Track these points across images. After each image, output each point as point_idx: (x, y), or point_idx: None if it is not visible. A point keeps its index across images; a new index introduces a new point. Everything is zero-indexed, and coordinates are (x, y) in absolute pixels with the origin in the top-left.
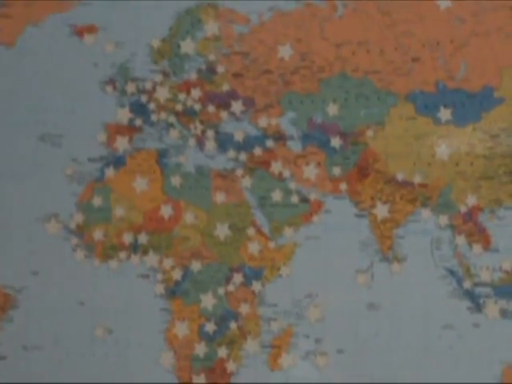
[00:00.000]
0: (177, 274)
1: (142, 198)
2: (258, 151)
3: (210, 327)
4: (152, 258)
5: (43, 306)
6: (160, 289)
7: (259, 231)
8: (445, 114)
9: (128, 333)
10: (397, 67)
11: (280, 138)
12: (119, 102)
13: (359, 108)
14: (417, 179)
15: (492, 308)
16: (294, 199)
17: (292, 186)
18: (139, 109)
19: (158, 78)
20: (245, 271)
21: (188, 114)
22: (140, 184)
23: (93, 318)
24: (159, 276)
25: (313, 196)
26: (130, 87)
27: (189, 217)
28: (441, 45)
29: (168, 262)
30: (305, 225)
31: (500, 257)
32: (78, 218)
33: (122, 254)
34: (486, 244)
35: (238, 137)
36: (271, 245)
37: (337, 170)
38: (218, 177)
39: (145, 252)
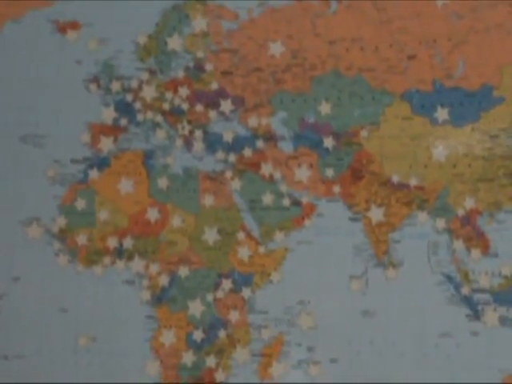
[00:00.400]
0: (163, 280)
1: (128, 200)
2: (247, 152)
3: (198, 335)
4: (138, 264)
5: (25, 314)
6: (146, 295)
7: (249, 236)
8: (442, 113)
9: (112, 341)
10: (392, 65)
11: (271, 138)
12: (104, 101)
13: (353, 107)
14: (413, 181)
15: (491, 315)
16: (286, 202)
17: (283, 188)
18: (124, 108)
19: (144, 75)
20: (234, 277)
21: (175, 114)
22: (125, 186)
23: (76, 325)
24: (145, 282)
25: (305, 199)
26: (115, 85)
27: (176, 220)
28: (438, 42)
29: (154, 268)
30: (296, 229)
31: (499, 262)
32: (61, 221)
33: (107, 259)
34: (485, 249)
35: (227, 137)
36: (261, 250)
37: (330, 172)
38: (206, 179)
39: (130, 257)
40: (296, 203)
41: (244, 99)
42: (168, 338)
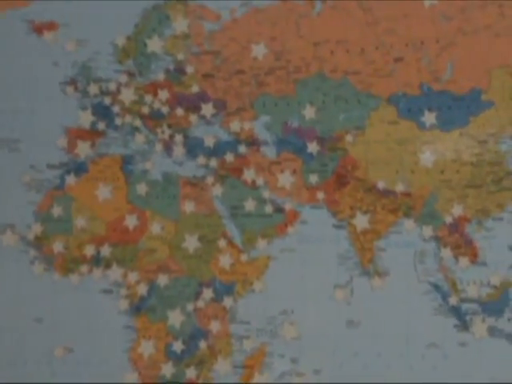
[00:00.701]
0: (142, 289)
1: (105, 207)
2: (229, 157)
3: (178, 346)
4: (116, 272)
5: None
6: (124, 305)
7: (231, 243)
8: (429, 118)
9: (89, 352)
10: (378, 68)
11: (253, 143)
12: (81, 105)
13: (338, 111)
14: (399, 188)
15: (480, 326)
16: (268, 209)
17: (266, 194)
18: (102, 111)
19: (123, 78)
20: (215, 286)
21: (155, 118)
22: (103, 192)
23: (52, 336)
24: (123, 291)
25: (288, 206)
26: (93, 88)
27: (155, 227)
28: (425, 44)
29: (133, 276)
30: (279, 236)
31: (488, 271)
32: (37, 228)
33: (84, 268)
34: (473, 257)
35: (209, 142)
36: (243, 258)
37: (314, 178)
38: (186, 185)
39: (108, 265)
40: (279, 210)
41: (226, 103)
42: (147, 348)
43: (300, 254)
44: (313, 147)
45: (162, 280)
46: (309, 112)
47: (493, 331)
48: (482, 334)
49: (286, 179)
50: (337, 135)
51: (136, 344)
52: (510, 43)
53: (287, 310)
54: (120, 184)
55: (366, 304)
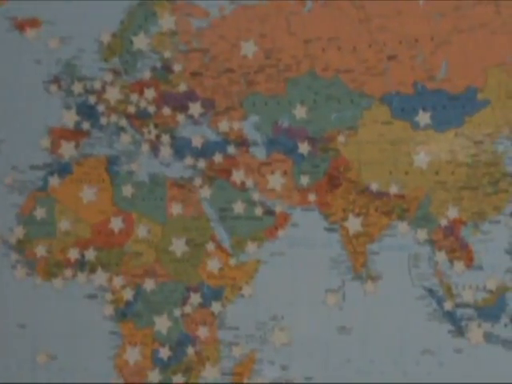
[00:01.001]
0: (128, 294)
1: (90, 209)
2: (218, 158)
3: (165, 353)
4: (100, 276)
5: None
6: (109, 310)
7: (219, 247)
8: (423, 117)
9: (73, 359)
10: (371, 66)
11: (242, 143)
12: (65, 104)
13: (329, 111)
14: (393, 189)
15: (475, 332)
16: (258, 211)
17: (255, 196)
18: (87, 111)
19: (108, 76)
20: (203, 291)
21: (141, 117)
22: (88, 194)
23: (34, 342)
24: (108, 296)
25: (278, 208)
26: (77, 87)
27: (141, 230)
28: (420, 42)
29: (118, 281)
30: (269, 240)
31: (484, 275)
32: (19, 231)
33: (68, 272)
34: (469, 261)
35: (197, 142)
36: (232, 262)
37: (305, 180)
38: (173, 186)
39: (92, 269)
40: (269, 212)
41: (214, 102)
42: (133, 355)
43: (290, 258)
44: (304, 148)
45: (149, 285)
46: (300, 111)
47: (489, 337)
48: (478, 340)
49: (276, 181)
50: (328, 135)
51: (121, 350)
52: (507, 41)
53: (277, 316)
54: (105, 185)
55: (359, 309)
